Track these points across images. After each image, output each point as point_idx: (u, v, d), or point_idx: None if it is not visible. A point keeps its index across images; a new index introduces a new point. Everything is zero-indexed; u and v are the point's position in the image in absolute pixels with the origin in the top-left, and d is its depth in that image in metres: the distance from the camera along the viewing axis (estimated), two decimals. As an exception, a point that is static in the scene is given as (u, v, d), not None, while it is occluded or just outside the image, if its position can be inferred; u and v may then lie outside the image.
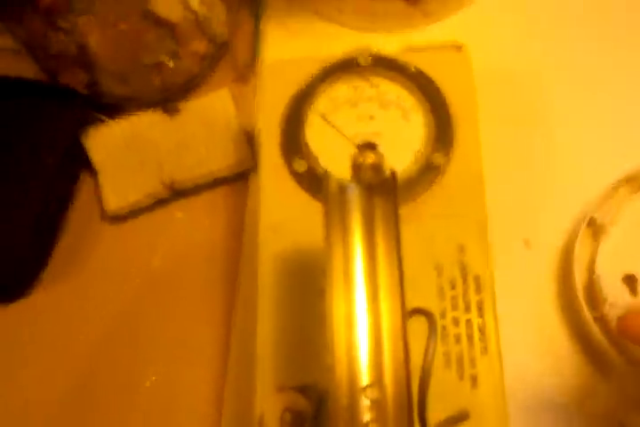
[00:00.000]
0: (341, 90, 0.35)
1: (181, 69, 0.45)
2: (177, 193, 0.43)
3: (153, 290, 0.42)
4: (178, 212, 0.44)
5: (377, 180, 0.29)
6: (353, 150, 0.32)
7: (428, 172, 0.33)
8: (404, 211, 0.29)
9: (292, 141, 0.34)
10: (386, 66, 0.35)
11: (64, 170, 0.44)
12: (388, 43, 0.42)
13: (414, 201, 0.32)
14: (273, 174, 0.34)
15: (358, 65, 0.35)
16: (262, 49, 0.45)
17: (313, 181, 0.33)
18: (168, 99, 0.45)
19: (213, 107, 0.44)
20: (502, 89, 0.40)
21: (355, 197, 0.25)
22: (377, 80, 0.35)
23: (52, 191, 0.43)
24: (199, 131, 0.44)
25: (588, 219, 0.37)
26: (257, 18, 0.45)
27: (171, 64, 0.44)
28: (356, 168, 0.31)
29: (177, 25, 0.43)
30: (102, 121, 0.45)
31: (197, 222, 0.43)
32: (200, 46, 0.45)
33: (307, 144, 0.34)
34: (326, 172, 0.26)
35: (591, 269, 0.36)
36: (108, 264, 0.43)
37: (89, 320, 0.42)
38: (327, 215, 0.25)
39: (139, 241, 0.43)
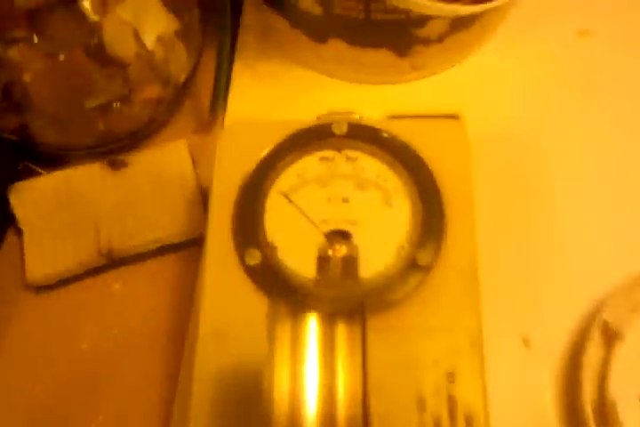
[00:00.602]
0: (310, 164, 0.29)
1: (131, 116, 0.39)
2: (115, 262, 0.37)
3: (79, 379, 0.36)
4: (115, 283, 0.38)
5: (346, 281, 0.24)
6: (321, 240, 0.28)
7: (412, 272, 0.27)
8: (379, 321, 0.25)
9: (247, 225, 0.28)
10: (365, 137, 0.29)
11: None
12: (372, 95, 0.39)
13: (392, 309, 0.26)
14: (220, 266, 0.27)
15: (332, 134, 0.29)
16: (228, 97, 0.40)
17: (267, 275, 0.27)
18: (114, 150, 0.39)
19: (167, 161, 0.39)
20: (498, 161, 0.35)
21: (311, 330, 0.19)
22: (354, 154, 0.29)
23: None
24: (146, 189, 0.38)
25: (600, 323, 0.31)
26: (221, 61, 0.39)
27: (118, 109, 0.38)
28: (323, 263, 0.27)
29: (128, 65, 0.38)
30: (36, 173, 0.39)
31: (138, 297, 0.37)
32: (154, 90, 0.39)
33: (263, 230, 0.28)
34: (275, 300, 0.21)
35: (603, 385, 0.30)
36: (28, 343, 0.37)
37: (3, 409, 0.35)
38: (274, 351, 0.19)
39: (66, 317, 0.37)
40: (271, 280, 0.27)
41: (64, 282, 0.37)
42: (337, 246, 0.27)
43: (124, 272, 0.38)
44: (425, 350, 0.25)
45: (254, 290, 0.27)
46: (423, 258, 0.27)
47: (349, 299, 0.26)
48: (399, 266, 0.27)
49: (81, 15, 0.37)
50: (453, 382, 0.25)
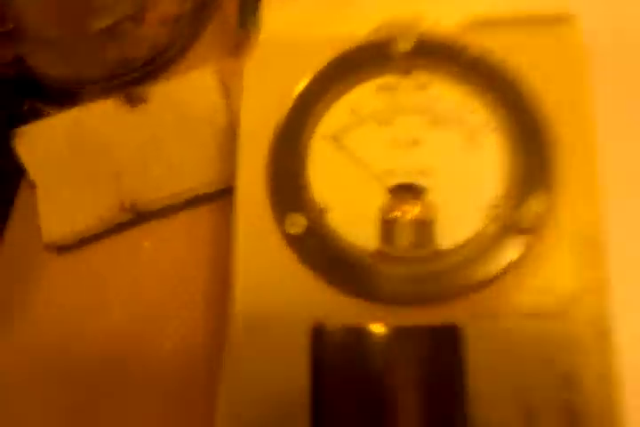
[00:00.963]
0: (366, 95, 0.23)
1: (146, 38, 0.35)
2: (141, 216, 0.33)
3: (113, 352, 0.32)
4: (144, 240, 0.33)
5: (421, 253, 0.19)
6: (384, 199, 0.22)
7: (510, 238, 0.21)
8: (466, 308, 0.20)
9: (286, 182, 0.23)
10: (440, 54, 0.22)
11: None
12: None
13: (485, 290, 0.20)
14: (254, 237, 0.22)
15: (395, 53, 0.22)
16: (260, 9, 0.32)
17: (315, 247, 0.22)
18: (130, 82, 0.35)
19: (192, 92, 0.34)
20: (620, 78, 0.27)
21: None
22: (425, 78, 0.22)
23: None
24: (171, 128, 0.33)
25: None
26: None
27: (130, 31, 0.34)
28: (388, 229, 0.22)
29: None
30: (42, 114, 0.35)
31: (172, 255, 0.33)
32: (170, 6, 0.34)
33: (308, 187, 0.22)
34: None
35: None
36: (52, 311, 0.33)
37: (25, 389, 0.32)
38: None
39: (93, 281, 0.33)
40: (320, 253, 0.22)
41: (87, 240, 0.33)
42: (406, 206, 0.22)
43: (152, 227, 0.33)
44: (532, 345, 0.20)
45: (298, 266, 0.22)
46: (525, 219, 0.21)
47: (425, 278, 0.20)
48: (492, 231, 0.21)
49: None
50: (570, 385, 0.19)
